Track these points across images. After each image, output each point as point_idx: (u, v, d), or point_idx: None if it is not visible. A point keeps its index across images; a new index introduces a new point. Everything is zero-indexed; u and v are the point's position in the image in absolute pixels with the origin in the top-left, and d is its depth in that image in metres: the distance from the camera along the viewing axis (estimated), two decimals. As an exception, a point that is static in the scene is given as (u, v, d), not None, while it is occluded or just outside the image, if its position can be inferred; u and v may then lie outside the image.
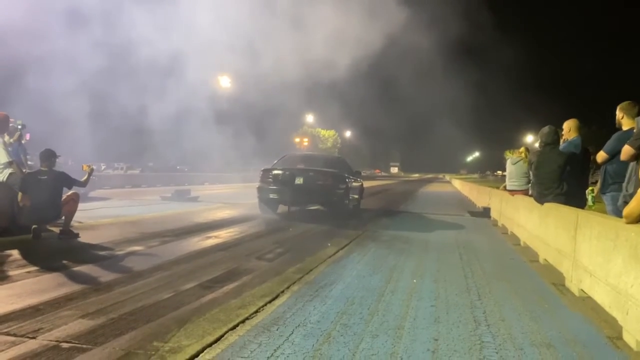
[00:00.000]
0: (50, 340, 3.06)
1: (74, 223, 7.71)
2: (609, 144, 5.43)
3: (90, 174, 7.60)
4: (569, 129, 6.85)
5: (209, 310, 3.88)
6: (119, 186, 24.72)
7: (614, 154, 5.24)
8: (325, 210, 11.96)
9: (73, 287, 4.44)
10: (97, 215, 10.31)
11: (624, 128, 5.38)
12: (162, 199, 15.85)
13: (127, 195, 18.27)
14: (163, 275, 5.10)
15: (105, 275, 4.97)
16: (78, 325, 3.38)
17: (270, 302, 4.17)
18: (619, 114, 5.49)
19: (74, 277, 4.88)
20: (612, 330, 3.62)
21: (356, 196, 13.50)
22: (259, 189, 11.41)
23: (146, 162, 47.69)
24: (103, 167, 44.68)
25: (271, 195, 11.23)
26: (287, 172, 11.15)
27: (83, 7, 22.33)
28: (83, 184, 7.55)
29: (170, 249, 6.74)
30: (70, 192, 7.42)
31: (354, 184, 13.04)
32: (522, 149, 8.91)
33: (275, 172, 11.31)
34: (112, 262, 5.73)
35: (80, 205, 7.72)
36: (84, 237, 7.25)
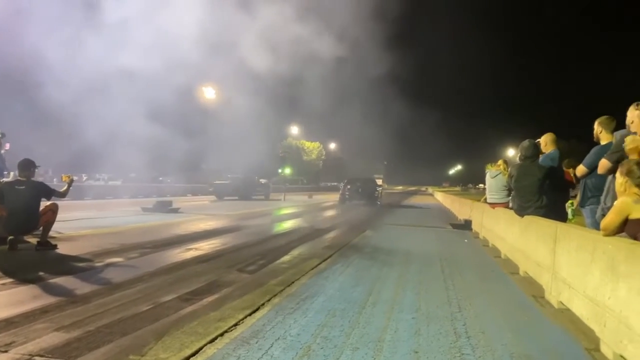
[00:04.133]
0: (23, 354, 2.99)
1: (52, 234, 7.58)
2: (588, 157, 5.49)
3: (70, 185, 7.50)
4: (545, 143, 6.95)
5: (188, 323, 3.82)
6: (100, 197, 24.45)
7: (593, 168, 5.30)
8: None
9: (49, 300, 4.35)
10: (76, 227, 10.15)
11: (602, 142, 5.45)
12: (143, 210, 15.68)
13: (107, 206, 18.03)
14: (142, 287, 5.03)
15: (82, 287, 4.88)
16: (52, 338, 3.31)
17: (250, 314, 4.13)
18: (597, 128, 5.55)
19: (50, 289, 4.79)
20: (590, 342, 3.64)
21: (379, 196, 27.13)
22: (341, 192, 26.65)
23: (128, 173, 47.17)
24: (84, 178, 44.08)
25: (345, 193, 26.25)
26: (351, 184, 26.78)
27: (67, 13, 22.21)
28: (62, 195, 7.44)
29: (150, 260, 6.66)
30: (49, 203, 7.30)
31: (379, 189, 27.72)
32: (500, 161, 8.98)
33: (347, 184, 26.95)
34: (90, 273, 5.64)
35: (59, 216, 7.59)
36: (62, 249, 7.13)
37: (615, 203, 3.64)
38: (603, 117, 5.54)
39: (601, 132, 5.50)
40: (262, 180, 33.25)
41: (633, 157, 4.06)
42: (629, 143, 4.24)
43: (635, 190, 3.56)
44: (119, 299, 4.51)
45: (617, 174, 3.79)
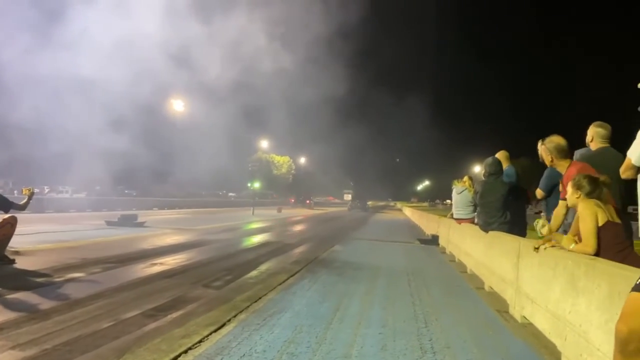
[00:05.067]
0: (-25, 374, 2.86)
1: (9, 248, 7.32)
2: (543, 181, 5.45)
3: (30, 198, 7.27)
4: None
5: (151, 339, 3.73)
6: (64, 210, 23.84)
7: (550, 190, 5.37)
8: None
9: (5, 316, 4.19)
10: (36, 240, 9.84)
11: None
12: (107, 224, 15.33)
13: (71, 220, 17.55)
14: (104, 303, 4.90)
15: (41, 304, 4.72)
16: (7, 357, 3.18)
17: (215, 331, 4.06)
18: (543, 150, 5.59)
19: (7, 306, 4.61)
20: (552, 356, 3.71)
21: (368, 207, 58.77)
22: (349, 205, 57.71)
23: (93, 185, 46.10)
24: (46, 190, 42.80)
25: (352, 205, 56.52)
26: (353, 200, 61.06)
27: (27, 19, 21.79)
28: (22, 208, 7.21)
29: (113, 276, 6.49)
30: (6, 216, 7.05)
31: (368, 202, 65.17)
32: (465, 178, 9.12)
33: (351, 198, 70.45)
34: (49, 289, 5.46)
35: (18, 230, 7.34)
36: (21, 263, 6.89)
37: (580, 212, 3.67)
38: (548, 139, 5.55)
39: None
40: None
41: None
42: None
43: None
44: (79, 315, 4.37)
45: (569, 188, 3.91)
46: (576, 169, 4.34)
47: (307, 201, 60.11)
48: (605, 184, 3.76)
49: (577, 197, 3.76)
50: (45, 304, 4.73)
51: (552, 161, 4.73)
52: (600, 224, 3.47)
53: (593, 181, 3.74)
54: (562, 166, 4.65)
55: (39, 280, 5.96)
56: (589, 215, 3.52)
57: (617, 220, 3.57)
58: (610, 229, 3.48)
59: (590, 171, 4.21)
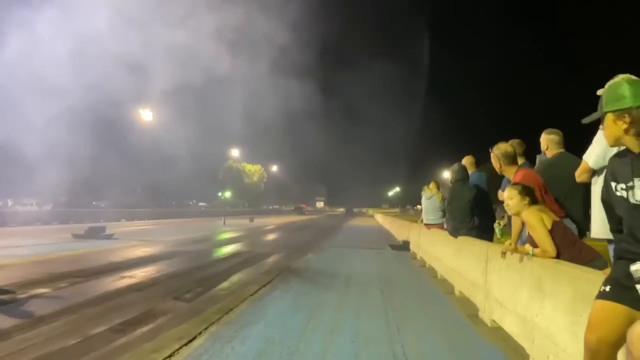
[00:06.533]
0: None
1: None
2: (503, 186, 5.57)
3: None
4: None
5: (119, 355, 3.66)
6: (29, 223, 23.19)
7: None
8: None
9: (-36, 337, 4.04)
10: (-1, 256, 9.53)
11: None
12: (74, 237, 14.99)
13: (36, 233, 17.08)
14: (70, 319, 4.78)
15: (3, 321, 4.58)
16: (-33, 380, 3.07)
17: (186, 344, 4.00)
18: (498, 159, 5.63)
19: (-33, 325, 4.45)
20: (521, 359, 3.77)
21: (353, 211, 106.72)
22: (345, 211, 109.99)
23: (59, 197, 44.93)
24: (10, 203, 41.59)
25: (346, 211, 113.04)
26: (346, 209, 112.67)
27: None
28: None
29: (80, 290, 6.34)
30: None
31: (353, 209, 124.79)
32: (431, 184, 9.22)
33: (345, 209, 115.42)
34: (12, 306, 5.30)
35: (-21, 245, 7.12)
36: (-18, 280, 6.67)
37: (528, 221, 3.74)
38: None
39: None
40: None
41: None
42: None
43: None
44: (44, 332, 4.25)
45: (516, 195, 3.94)
46: (522, 174, 4.46)
47: (303, 206, 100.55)
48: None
49: (525, 203, 3.85)
50: (7, 321, 4.59)
51: (500, 167, 4.83)
52: (549, 227, 3.57)
53: (527, 190, 3.85)
54: (509, 172, 4.75)
55: (1, 297, 5.77)
56: (537, 221, 3.60)
57: (558, 219, 3.69)
58: (558, 228, 3.59)
59: (534, 177, 4.33)
